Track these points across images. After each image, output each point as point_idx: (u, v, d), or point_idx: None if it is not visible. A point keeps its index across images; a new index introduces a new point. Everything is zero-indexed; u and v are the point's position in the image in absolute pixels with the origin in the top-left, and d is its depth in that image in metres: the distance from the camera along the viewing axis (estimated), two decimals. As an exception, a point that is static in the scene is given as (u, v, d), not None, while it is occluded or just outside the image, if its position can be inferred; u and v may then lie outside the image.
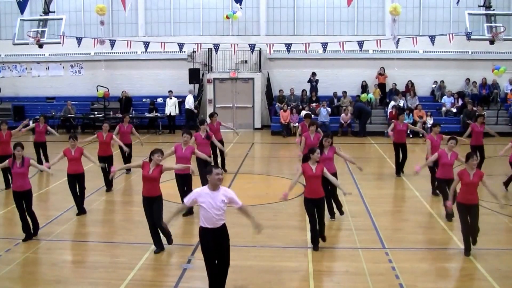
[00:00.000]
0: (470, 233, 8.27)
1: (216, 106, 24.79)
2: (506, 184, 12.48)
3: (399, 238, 9.41)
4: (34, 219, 9.27)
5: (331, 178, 8.81)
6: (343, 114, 23.00)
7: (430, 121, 22.03)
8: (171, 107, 23.79)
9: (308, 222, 8.89)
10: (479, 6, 20.72)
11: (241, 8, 21.96)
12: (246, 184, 13.83)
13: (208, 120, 15.70)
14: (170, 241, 8.74)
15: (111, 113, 23.75)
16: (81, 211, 10.75)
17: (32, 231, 9.23)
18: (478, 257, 8.21)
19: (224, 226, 6.66)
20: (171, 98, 23.94)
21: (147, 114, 24.02)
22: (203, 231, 6.62)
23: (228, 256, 6.74)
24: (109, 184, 12.72)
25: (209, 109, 24.64)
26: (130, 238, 9.30)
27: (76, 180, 10.69)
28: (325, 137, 10.24)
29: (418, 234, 9.68)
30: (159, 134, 23.51)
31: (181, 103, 24.32)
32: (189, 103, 23.74)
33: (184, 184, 10.42)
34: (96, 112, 24.43)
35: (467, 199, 8.20)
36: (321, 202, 8.61)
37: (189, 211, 10.43)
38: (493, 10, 20.13)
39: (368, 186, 13.35)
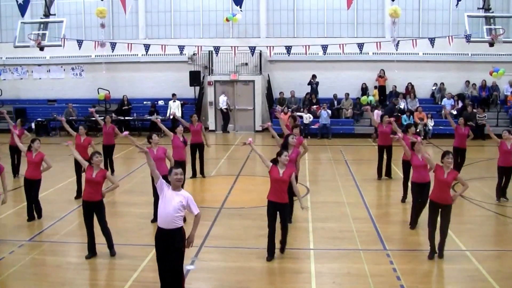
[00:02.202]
0: (440, 235, 8.20)
1: (217, 108, 24.87)
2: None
3: (400, 240, 9.47)
4: None
5: (295, 186, 8.40)
6: (376, 110, 21.74)
7: (430, 123, 22.13)
8: (174, 110, 23.85)
9: (310, 225, 8.91)
10: (479, 8, 20.81)
11: (241, 10, 22.02)
12: (248, 186, 13.91)
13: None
14: (112, 252, 8.49)
15: (112, 115, 23.77)
16: (30, 217, 10.46)
17: None
18: (479, 259, 8.26)
19: (179, 231, 6.49)
20: (174, 101, 24.01)
21: (148, 117, 24.07)
22: (157, 230, 6.58)
23: (178, 263, 6.51)
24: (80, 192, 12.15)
25: (210, 112, 24.79)
26: (133, 240, 9.34)
27: (30, 186, 10.43)
28: (290, 135, 10.05)
29: (419, 235, 9.72)
30: (160, 136, 23.48)
31: (183, 105, 24.42)
32: (221, 103, 24.37)
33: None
34: (97, 115, 24.41)
35: (439, 197, 8.11)
36: (283, 207, 8.28)
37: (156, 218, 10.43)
38: (492, 12, 20.22)
39: (369, 188, 13.41)
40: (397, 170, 14.31)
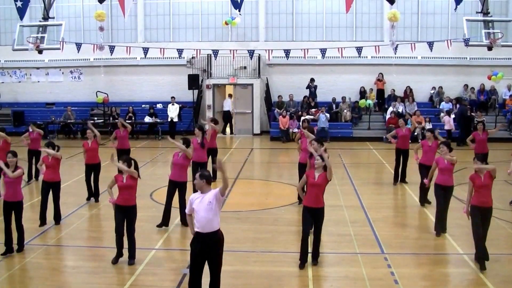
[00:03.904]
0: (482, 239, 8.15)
1: (216, 111, 24.90)
2: None
3: (398, 243, 9.44)
4: (21, 233, 8.82)
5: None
6: (446, 117, 21.39)
7: (429, 126, 22.11)
8: (173, 113, 23.89)
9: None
10: (477, 12, 20.80)
11: (240, 14, 22.02)
12: (246, 189, 13.89)
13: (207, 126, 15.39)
14: (132, 261, 8.37)
15: (111, 118, 23.78)
16: (56, 221, 10.49)
17: (17, 245, 8.81)
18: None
19: (215, 233, 6.58)
20: (173, 104, 24.04)
21: (147, 120, 24.06)
22: (195, 234, 6.66)
23: (217, 264, 6.65)
24: (96, 195, 12.35)
25: (208, 115, 24.73)
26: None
27: (50, 189, 10.41)
28: (314, 140, 10.05)
29: (417, 239, 9.71)
30: (158, 139, 23.55)
31: (182, 109, 24.45)
32: (226, 105, 25.29)
33: (174, 191, 10.22)
34: (95, 118, 24.46)
35: (481, 201, 8.12)
36: (318, 212, 8.18)
37: (164, 223, 10.27)
38: (491, 16, 20.22)
39: (367, 191, 13.39)
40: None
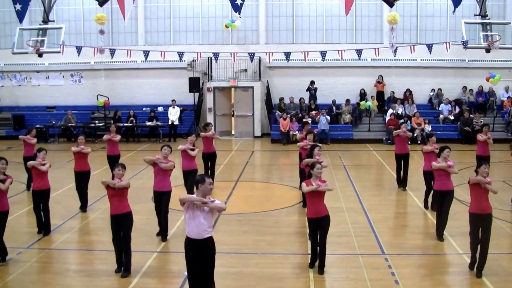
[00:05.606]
0: (480, 247, 7.94)
1: (216, 114, 24.96)
2: None
3: (398, 244, 9.50)
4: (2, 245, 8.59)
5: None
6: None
7: (428, 128, 22.22)
8: (174, 116, 23.95)
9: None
10: (475, 15, 20.86)
11: (240, 17, 22.10)
12: (247, 192, 13.94)
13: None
14: (125, 274, 8.07)
15: (112, 121, 23.81)
16: (46, 232, 10.08)
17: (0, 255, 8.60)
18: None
19: (208, 240, 6.43)
20: (174, 107, 24.11)
21: (148, 123, 24.11)
22: (186, 240, 6.50)
23: (208, 273, 6.49)
24: (84, 204, 11.88)
25: (209, 118, 24.82)
26: (132, 246, 9.31)
27: (40, 197, 10.07)
28: (317, 147, 10.11)
29: (417, 240, 9.77)
30: (159, 142, 23.57)
31: (183, 111, 24.50)
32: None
33: (161, 200, 9.87)
34: (96, 121, 24.51)
35: (480, 209, 7.93)
36: (323, 221, 8.03)
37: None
38: (489, 19, 20.24)
39: (368, 193, 13.44)
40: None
